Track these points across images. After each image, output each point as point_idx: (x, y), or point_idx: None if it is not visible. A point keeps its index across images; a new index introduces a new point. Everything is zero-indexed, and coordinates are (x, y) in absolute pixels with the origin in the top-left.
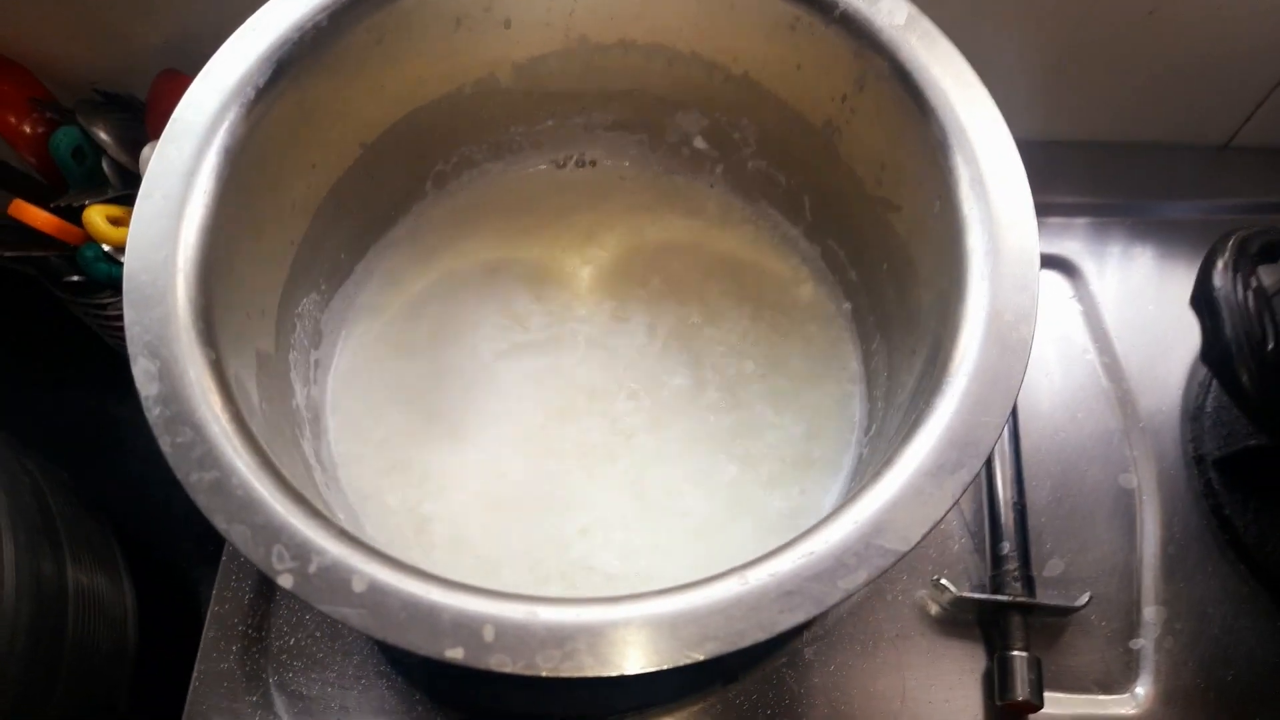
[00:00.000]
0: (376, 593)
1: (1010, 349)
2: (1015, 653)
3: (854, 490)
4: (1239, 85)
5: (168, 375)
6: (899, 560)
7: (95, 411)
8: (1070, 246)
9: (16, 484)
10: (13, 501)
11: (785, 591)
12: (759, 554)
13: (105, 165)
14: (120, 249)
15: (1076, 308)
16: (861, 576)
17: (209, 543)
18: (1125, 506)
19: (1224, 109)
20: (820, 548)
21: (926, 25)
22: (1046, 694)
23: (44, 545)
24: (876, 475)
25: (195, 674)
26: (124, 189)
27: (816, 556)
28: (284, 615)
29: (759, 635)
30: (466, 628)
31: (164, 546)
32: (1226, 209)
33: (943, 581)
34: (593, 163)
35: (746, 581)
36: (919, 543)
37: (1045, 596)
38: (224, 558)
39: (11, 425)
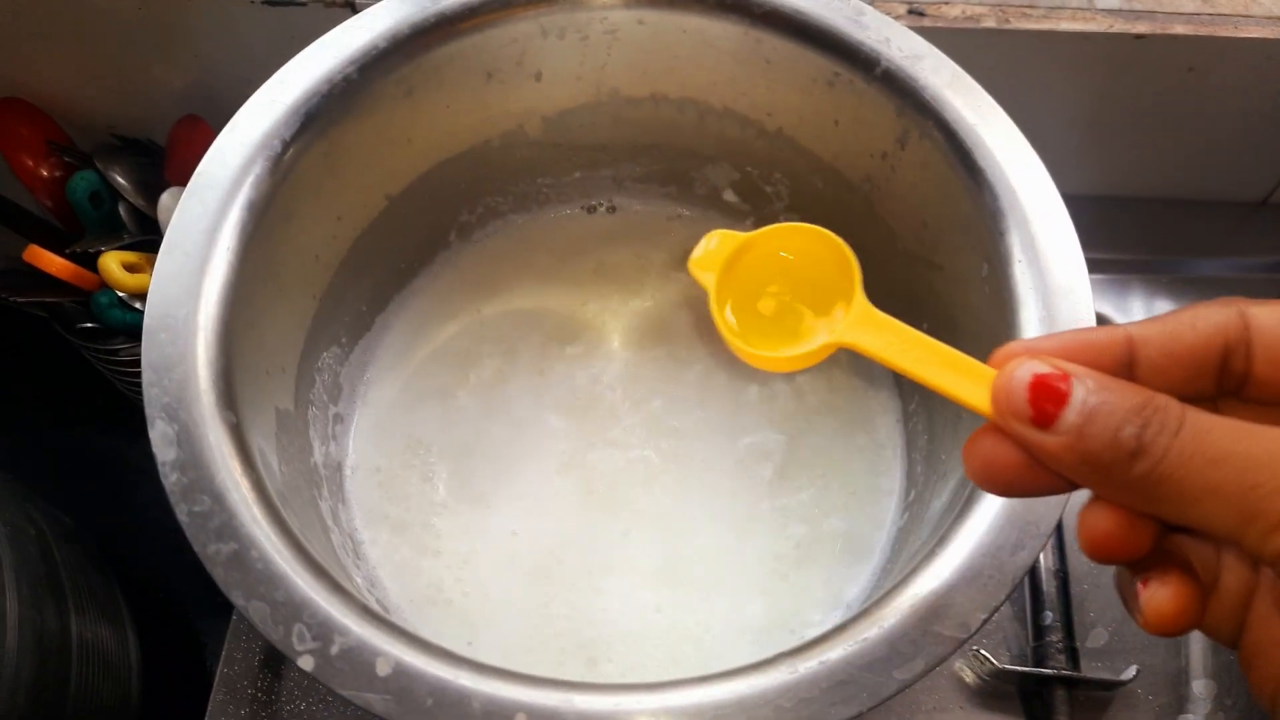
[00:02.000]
0: (402, 676)
1: None
2: None
3: (907, 570)
4: (1275, 141)
5: (186, 440)
6: (959, 648)
7: (103, 457)
8: (1105, 303)
9: (20, 535)
10: (16, 553)
11: (837, 681)
12: (791, 630)
13: (122, 210)
14: (136, 296)
15: None
16: (919, 666)
17: (218, 593)
18: None
19: (1261, 165)
20: (873, 633)
21: (970, 83)
22: None
23: (47, 597)
24: (931, 554)
25: None
26: (141, 235)
27: (869, 643)
28: (295, 679)
29: None
30: (497, 715)
31: (171, 596)
32: (1263, 267)
33: (982, 653)
34: (621, 211)
35: (796, 671)
36: (979, 629)
37: (1090, 669)
38: (234, 616)
39: (18, 470)
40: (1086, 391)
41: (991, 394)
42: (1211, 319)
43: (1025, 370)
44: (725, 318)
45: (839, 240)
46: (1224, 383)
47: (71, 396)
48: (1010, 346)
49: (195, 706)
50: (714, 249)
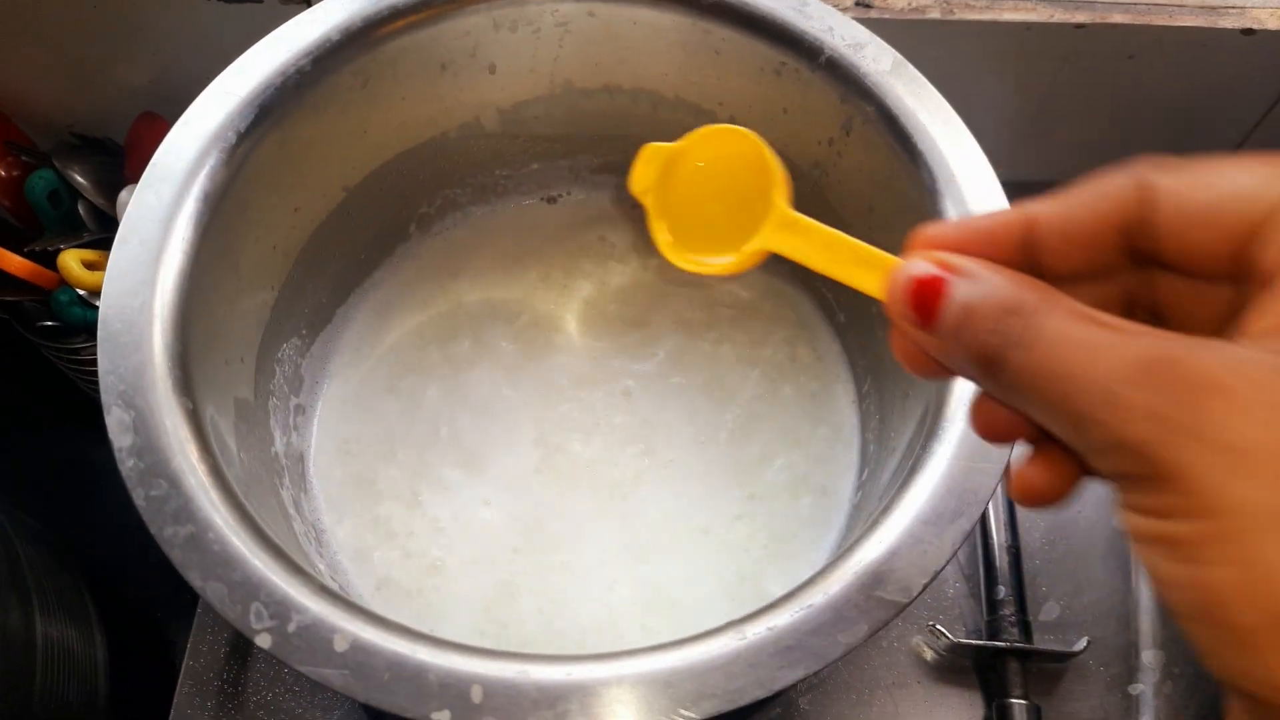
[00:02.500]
0: (359, 652)
1: None
2: (1014, 700)
3: (851, 540)
4: (1216, 131)
5: (143, 426)
6: (900, 612)
7: (68, 458)
8: None
9: None
10: None
11: (784, 647)
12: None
13: (81, 209)
14: (96, 294)
15: None
16: (862, 630)
17: (185, 592)
18: (1120, 548)
19: (1201, 152)
20: (819, 600)
21: (912, 71)
22: None
23: (11, 597)
24: (874, 524)
25: None
26: (100, 233)
27: (816, 609)
28: (261, 670)
29: (758, 693)
30: (454, 688)
31: (139, 596)
32: None
33: (938, 628)
34: (580, 201)
35: (744, 636)
36: (920, 594)
37: (1042, 641)
38: (199, 610)
39: None
40: (962, 292)
41: (884, 293)
42: (1108, 195)
43: (905, 273)
44: (662, 232)
45: (760, 143)
46: (1139, 257)
47: (33, 397)
48: (919, 233)
49: (164, 706)
50: (647, 164)
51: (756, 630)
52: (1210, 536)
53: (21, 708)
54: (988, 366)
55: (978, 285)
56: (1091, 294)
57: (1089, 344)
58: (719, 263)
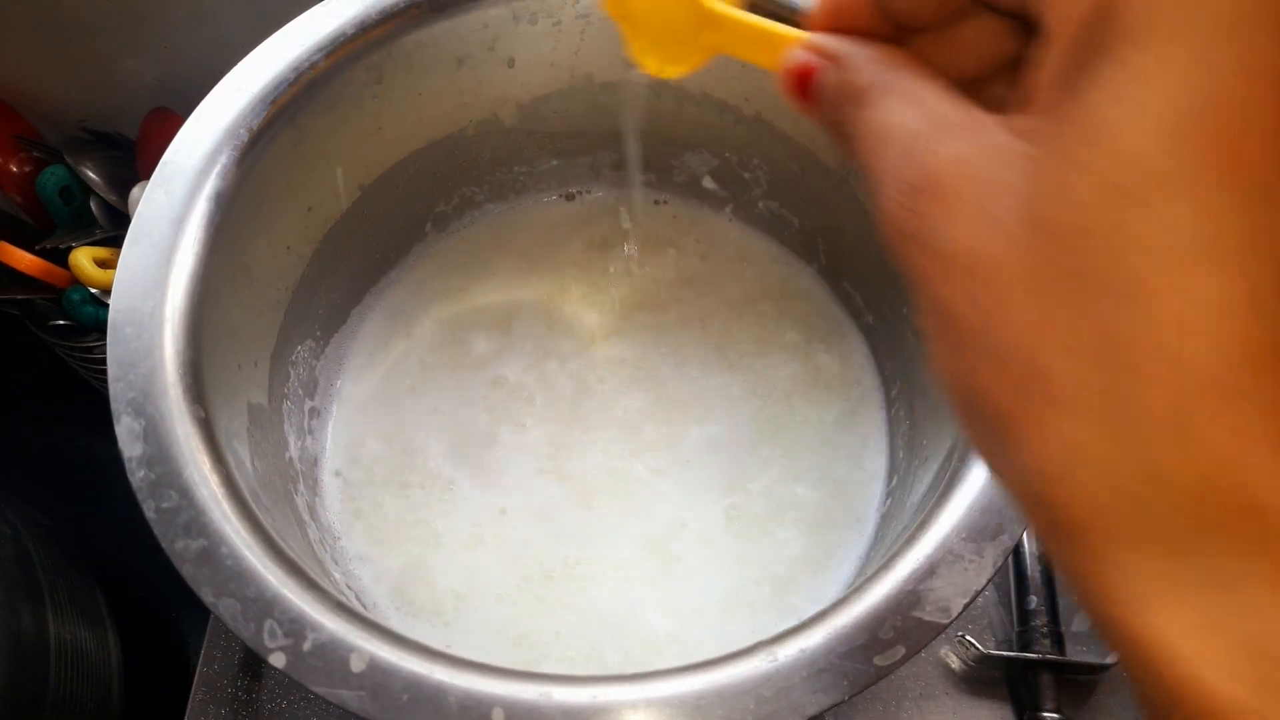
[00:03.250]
0: (376, 672)
1: None
2: (1046, 714)
3: (887, 556)
4: None
5: (153, 435)
6: (939, 634)
7: (80, 456)
8: None
9: None
10: None
11: (817, 670)
12: (777, 612)
13: (93, 205)
14: (108, 292)
15: None
16: (899, 653)
17: None
18: None
19: None
20: (853, 620)
21: None
22: None
23: (24, 599)
24: (911, 540)
25: None
26: (113, 229)
27: (850, 630)
28: (276, 677)
29: (790, 718)
30: (474, 710)
31: (152, 596)
32: None
33: (968, 639)
34: (600, 199)
35: (775, 659)
36: (959, 615)
37: (1075, 653)
38: (213, 614)
39: None
40: (829, 78)
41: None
42: None
43: (790, 60)
44: (638, 47)
45: None
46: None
47: (47, 395)
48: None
49: (177, 707)
50: None
51: (788, 652)
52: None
53: (34, 710)
54: (840, 140)
55: (839, 72)
56: (955, 49)
57: (890, 137)
58: (679, 68)
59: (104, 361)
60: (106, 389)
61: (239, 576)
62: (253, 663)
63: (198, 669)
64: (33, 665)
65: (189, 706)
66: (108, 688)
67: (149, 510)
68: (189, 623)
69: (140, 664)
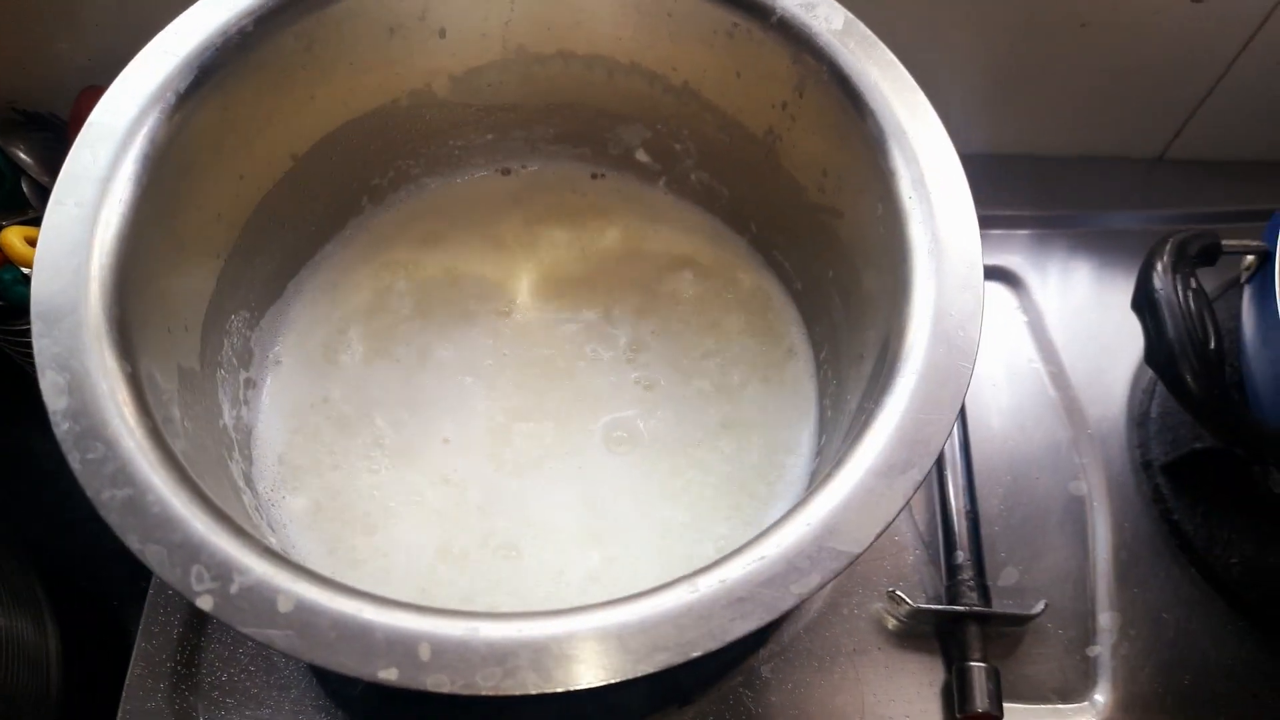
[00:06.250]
0: (304, 612)
1: (957, 347)
2: (973, 664)
3: (805, 494)
4: (1169, 99)
5: (78, 389)
6: (852, 562)
7: (15, 444)
8: (1012, 258)
9: None
10: None
11: (736, 598)
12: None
13: (24, 186)
14: None
15: (1021, 318)
16: (814, 580)
17: (141, 578)
18: (1076, 514)
19: (1156, 123)
20: (771, 552)
21: (863, 30)
22: (1006, 705)
23: None
24: (827, 477)
25: (120, 715)
26: (44, 210)
27: (768, 561)
28: (216, 650)
29: (710, 644)
30: (401, 646)
31: (92, 585)
32: (1161, 219)
33: (898, 594)
34: (535, 172)
35: (696, 589)
36: (871, 544)
37: (1001, 606)
38: (151, 590)
39: None
40: None
41: None
42: None
43: None
44: None
45: None
46: None
47: None
48: None
49: (118, 693)
50: None
51: (708, 583)
52: None
53: None
54: None
55: None
56: None
57: None
58: None
59: None
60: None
61: (166, 523)
62: (192, 636)
63: (136, 645)
64: None
65: (127, 681)
66: (45, 674)
67: (74, 461)
68: (130, 609)
69: (79, 652)
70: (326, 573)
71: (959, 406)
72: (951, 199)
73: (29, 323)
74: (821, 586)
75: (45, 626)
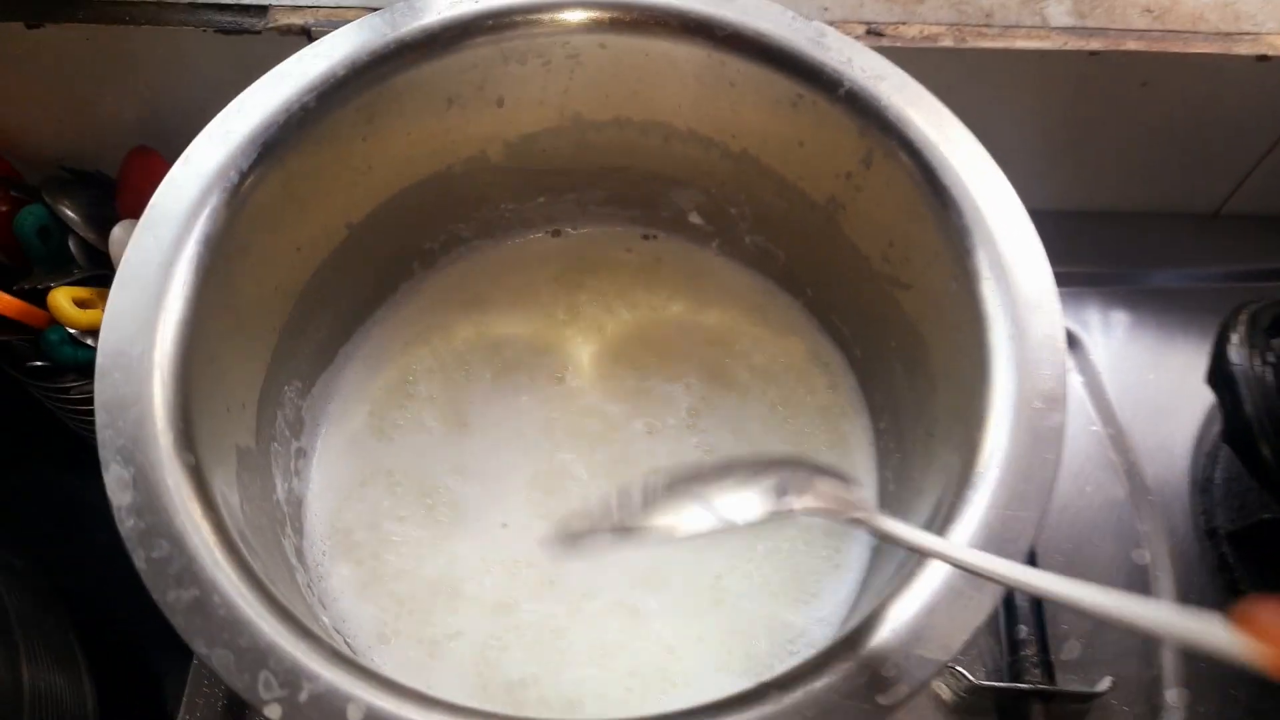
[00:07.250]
0: None
1: (1042, 438)
2: None
3: (887, 593)
4: (1228, 155)
5: (143, 483)
6: (939, 671)
7: (53, 497)
8: (1067, 318)
9: None
10: None
11: (822, 710)
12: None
13: (72, 245)
14: (87, 332)
15: (1078, 379)
16: (902, 691)
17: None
18: (1140, 583)
19: (1214, 179)
20: (855, 660)
21: (933, 101)
22: None
23: None
24: (910, 575)
25: None
26: (92, 269)
27: (853, 670)
28: None
29: None
30: None
31: (129, 640)
32: (1218, 277)
33: (958, 669)
34: (587, 235)
35: (781, 702)
36: (959, 650)
37: (1065, 682)
38: (195, 661)
39: None
40: None
41: None
42: None
43: None
44: None
45: None
46: None
47: (21, 436)
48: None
49: None
50: None
51: (793, 696)
52: None
53: None
54: None
55: None
56: None
57: None
58: None
59: (81, 402)
60: (83, 429)
61: (232, 626)
62: (235, 711)
63: (179, 718)
64: (5, 713)
65: None
66: None
67: (139, 560)
68: (167, 664)
69: (117, 711)
70: (375, 648)
71: (1046, 502)
72: (1032, 281)
73: (74, 380)
74: (910, 697)
75: (83, 684)
